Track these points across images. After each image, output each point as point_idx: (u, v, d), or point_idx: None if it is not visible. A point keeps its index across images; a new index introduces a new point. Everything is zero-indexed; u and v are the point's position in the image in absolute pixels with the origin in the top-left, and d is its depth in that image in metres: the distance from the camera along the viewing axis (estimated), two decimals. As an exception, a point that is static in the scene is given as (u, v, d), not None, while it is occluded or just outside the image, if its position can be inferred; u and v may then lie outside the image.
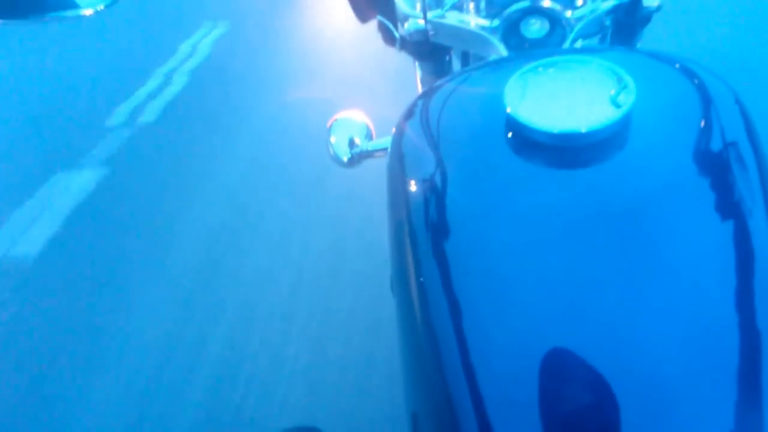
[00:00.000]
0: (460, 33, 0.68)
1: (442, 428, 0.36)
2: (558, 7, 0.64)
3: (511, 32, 0.66)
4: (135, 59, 3.42)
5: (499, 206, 0.42)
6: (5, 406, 1.49)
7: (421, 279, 0.42)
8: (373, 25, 0.80)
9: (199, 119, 2.73)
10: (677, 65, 0.50)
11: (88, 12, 0.45)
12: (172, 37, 3.64)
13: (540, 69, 0.47)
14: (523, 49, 0.65)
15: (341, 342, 1.51)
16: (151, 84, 3.08)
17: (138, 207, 2.17)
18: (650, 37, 0.73)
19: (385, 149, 0.74)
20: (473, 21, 0.67)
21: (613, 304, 0.35)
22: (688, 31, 2.59)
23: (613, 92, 0.43)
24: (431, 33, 0.69)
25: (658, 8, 0.64)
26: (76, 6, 0.46)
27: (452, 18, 0.67)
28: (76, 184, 2.33)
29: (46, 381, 1.54)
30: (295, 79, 2.93)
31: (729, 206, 0.39)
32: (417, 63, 0.84)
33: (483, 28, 0.66)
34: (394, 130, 0.55)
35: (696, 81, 0.48)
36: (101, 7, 0.45)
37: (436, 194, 0.45)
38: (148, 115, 2.80)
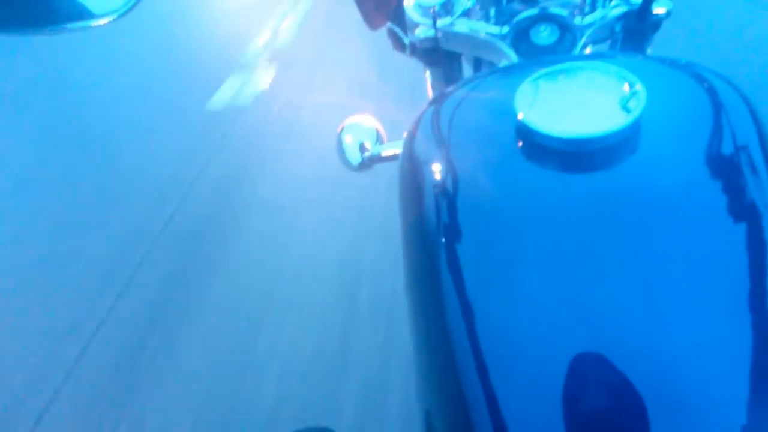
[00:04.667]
0: (470, 40, 0.68)
1: (456, 429, 0.36)
2: (567, 13, 0.64)
3: (521, 39, 0.66)
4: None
5: (511, 210, 0.42)
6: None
7: (434, 282, 0.42)
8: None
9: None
10: (688, 71, 0.50)
11: (101, 22, 0.45)
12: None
13: (550, 75, 0.47)
14: (533, 56, 0.65)
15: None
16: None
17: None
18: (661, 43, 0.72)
19: (396, 153, 0.74)
20: (483, 28, 0.67)
21: (628, 308, 0.35)
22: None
23: (623, 98, 0.43)
24: (441, 40, 0.69)
25: (668, 14, 0.64)
26: (88, 16, 0.45)
27: (462, 25, 0.67)
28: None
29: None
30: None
31: (742, 211, 0.39)
32: (427, 69, 0.84)
33: (493, 35, 0.66)
34: (405, 134, 0.55)
35: (707, 86, 0.48)
36: (114, 17, 0.45)
37: (448, 198, 0.45)
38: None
